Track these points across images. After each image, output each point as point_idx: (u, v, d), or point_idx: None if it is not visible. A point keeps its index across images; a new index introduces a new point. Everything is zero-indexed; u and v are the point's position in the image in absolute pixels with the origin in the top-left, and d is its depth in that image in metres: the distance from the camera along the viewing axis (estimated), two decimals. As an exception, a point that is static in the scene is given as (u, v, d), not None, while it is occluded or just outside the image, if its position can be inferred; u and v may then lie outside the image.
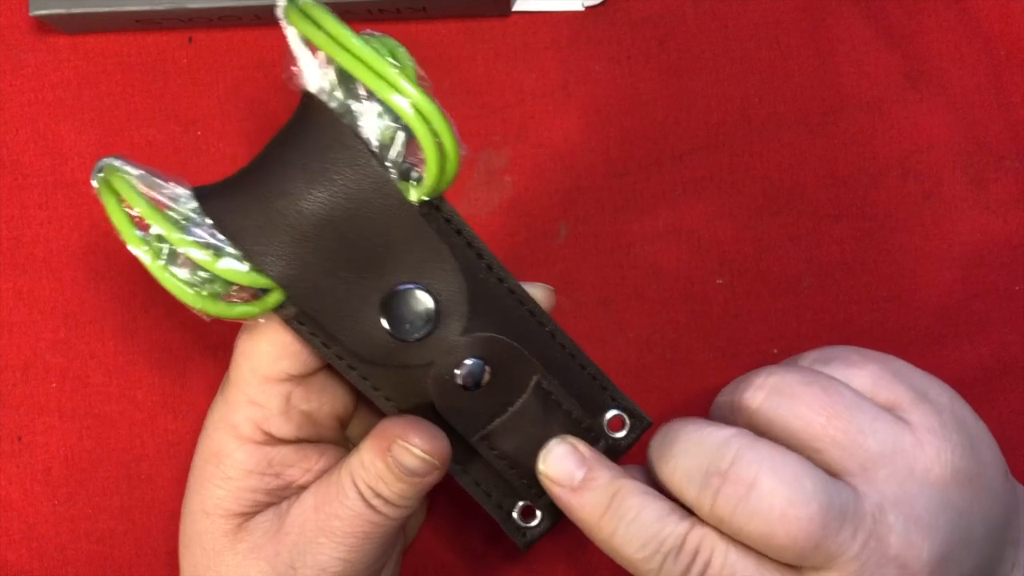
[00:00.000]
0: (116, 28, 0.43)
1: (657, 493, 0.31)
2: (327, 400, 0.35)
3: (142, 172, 0.31)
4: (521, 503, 0.35)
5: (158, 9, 0.41)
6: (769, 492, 0.28)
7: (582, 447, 0.33)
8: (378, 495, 0.32)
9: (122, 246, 0.42)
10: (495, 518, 0.35)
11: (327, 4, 0.41)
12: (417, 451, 0.32)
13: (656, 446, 0.32)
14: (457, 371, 0.32)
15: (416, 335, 0.32)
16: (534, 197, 0.43)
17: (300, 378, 0.34)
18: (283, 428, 0.34)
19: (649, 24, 0.44)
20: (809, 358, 0.33)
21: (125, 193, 0.30)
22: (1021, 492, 0.33)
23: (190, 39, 0.44)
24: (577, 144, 0.43)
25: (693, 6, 0.44)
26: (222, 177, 0.43)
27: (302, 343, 0.33)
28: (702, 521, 0.30)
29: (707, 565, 0.29)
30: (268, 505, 0.34)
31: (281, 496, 0.34)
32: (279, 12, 0.31)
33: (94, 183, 0.31)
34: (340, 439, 0.36)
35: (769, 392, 0.30)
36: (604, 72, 0.44)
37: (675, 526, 0.30)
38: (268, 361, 0.33)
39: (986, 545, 0.30)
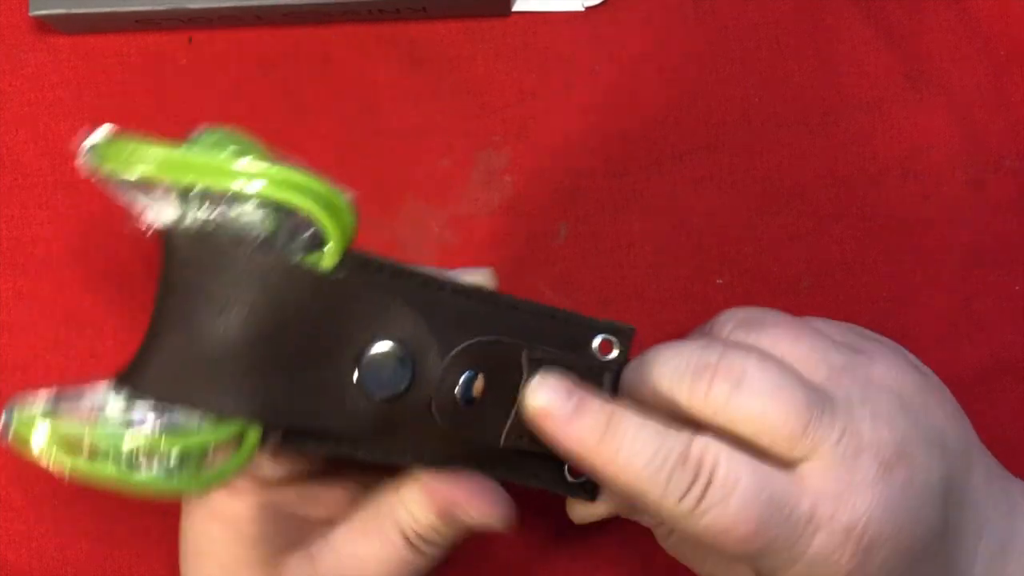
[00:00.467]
0: (116, 28, 0.43)
1: (649, 412, 0.32)
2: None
3: (49, 406, 0.28)
4: (567, 465, 0.35)
5: (158, 9, 0.41)
6: (760, 378, 0.30)
7: (568, 378, 0.32)
8: (429, 542, 0.33)
9: (122, 246, 0.43)
10: (558, 492, 0.35)
11: (332, 4, 0.41)
12: (488, 520, 0.32)
13: (634, 368, 0.33)
14: (456, 392, 0.31)
15: (403, 385, 0.31)
16: (534, 197, 0.43)
17: None
18: (274, 471, 0.33)
19: (649, 24, 0.44)
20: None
21: (47, 447, 0.27)
22: (975, 436, 0.35)
23: (190, 39, 0.44)
24: (577, 144, 0.43)
25: (693, 6, 0.44)
26: (222, 177, 0.43)
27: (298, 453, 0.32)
28: (699, 431, 0.31)
29: (712, 473, 0.30)
30: (293, 547, 0.33)
31: (302, 534, 0.33)
32: (85, 162, 0.28)
33: (8, 440, 0.28)
34: (325, 464, 0.36)
35: (738, 322, 0.33)
36: (604, 72, 0.44)
37: (676, 437, 0.30)
38: None
39: (946, 454, 0.32)
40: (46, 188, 0.43)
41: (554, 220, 0.43)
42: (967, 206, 0.43)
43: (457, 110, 0.43)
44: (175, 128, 0.43)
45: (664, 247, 0.43)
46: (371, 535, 0.33)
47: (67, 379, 0.42)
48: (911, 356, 0.35)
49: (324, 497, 0.34)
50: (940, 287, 0.43)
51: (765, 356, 0.31)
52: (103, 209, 0.43)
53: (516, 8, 0.44)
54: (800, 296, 0.43)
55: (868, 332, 0.35)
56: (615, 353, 0.35)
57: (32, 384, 0.42)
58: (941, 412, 0.33)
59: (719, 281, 0.43)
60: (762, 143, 0.43)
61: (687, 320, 0.43)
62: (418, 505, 0.32)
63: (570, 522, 0.38)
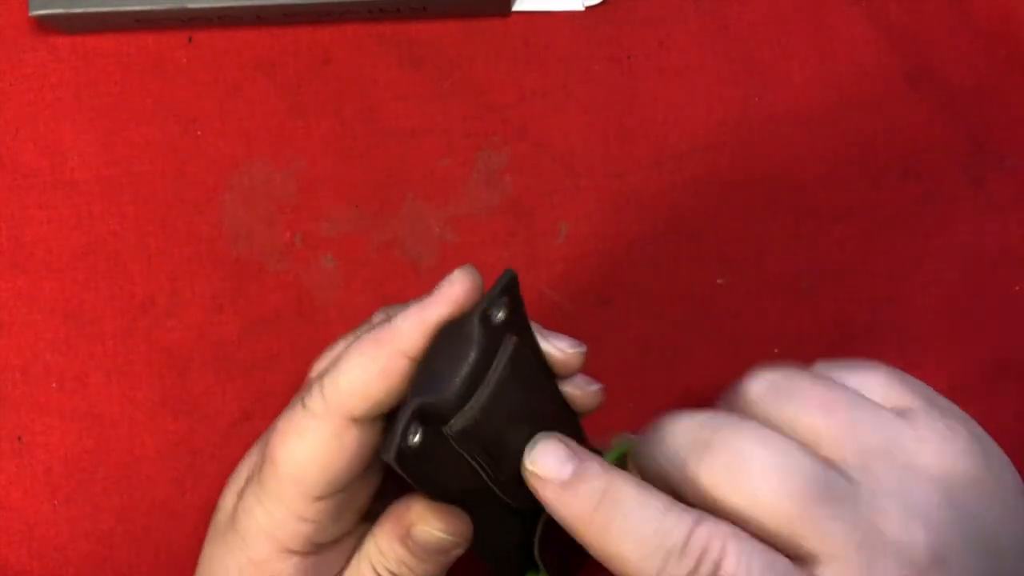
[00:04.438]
0: (116, 28, 0.43)
1: (654, 489, 0.29)
2: (363, 495, 0.34)
3: None
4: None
5: (158, 9, 0.41)
6: (758, 457, 0.27)
7: (570, 442, 0.30)
8: None
9: (122, 246, 0.43)
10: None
11: (332, 4, 0.41)
12: (439, 533, 0.31)
13: (643, 441, 0.30)
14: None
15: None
16: (534, 197, 0.43)
17: (352, 484, 0.33)
18: (331, 534, 0.33)
19: (649, 24, 0.44)
20: (819, 365, 0.31)
21: None
22: None
23: (190, 39, 0.44)
24: (577, 144, 0.43)
25: (693, 6, 0.44)
26: (220, 177, 0.43)
27: (350, 451, 0.32)
28: (709, 516, 0.28)
29: (719, 563, 0.26)
30: None
31: None
32: None
33: None
34: (358, 526, 0.36)
35: (770, 385, 0.29)
36: (604, 72, 0.44)
37: (680, 517, 0.27)
38: (317, 483, 0.32)
39: (995, 559, 0.28)
40: (46, 188, 0.43)
41: (554, 220, 0.43)
42: (967, 206, 0.43)
43: (457, 110, 0.43)
44: (175, 128, 0.43)
45: (664, 247, 0.43)
46: None
47: (67, 380, 0.42)
48: (978, 429, 0.30)
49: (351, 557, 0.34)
50: (940, 287, 0.43)
51: (770, 433, 0.28)
52: (103, 209, 0.43)
53: (516, 8, 0.44)
54: (800, 296, 0.43)
55: (938, 397, 0.30)
56: (504, 302, 0.31)
57: (32, 385, 0.42)
58: (999, 507, 0.28)
59: (719, 281, 0.43)
60: (762, 143, 0.43)
61: (687, 320, 0.43)
62: (384, 535, 0.32)
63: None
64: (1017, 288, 0.43)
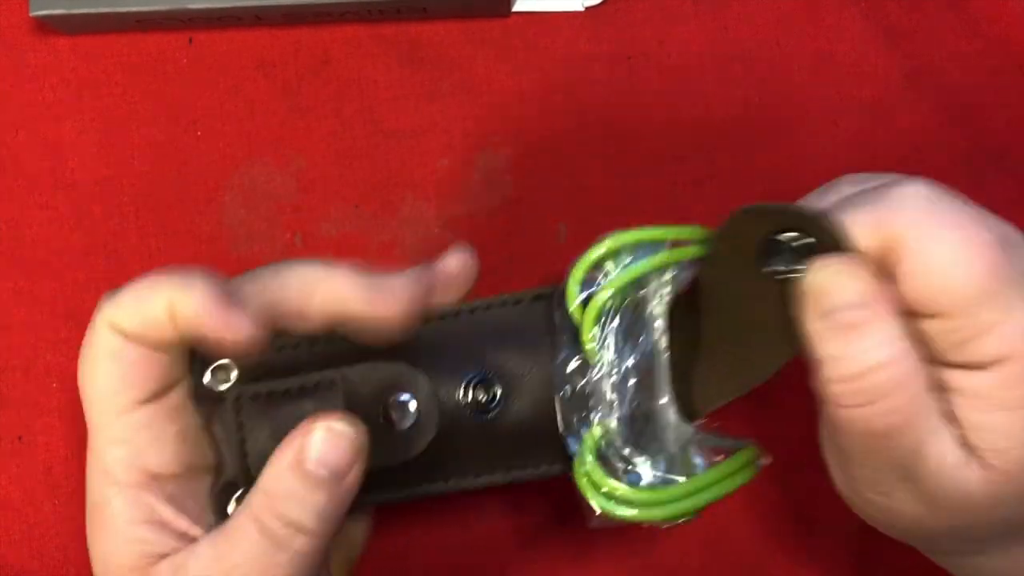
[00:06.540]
0: (116, 28, 0.43)
1: None
2: (184, 428, 0.31)
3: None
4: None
5: (158, 9, 0.41)
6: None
7: None
8: (289, 523, 0.29)
9: (122, 246, 0.43)
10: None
11: (332, 4, 0.41)
12: (343, 428, 0.29)
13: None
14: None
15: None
16: (534, 197, 0.43)
17: (156, 398, 0.30)
18: (161, 458, 0.30)
19: (649, 24, 0.44)
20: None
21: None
22: None
23: (190, 39, 0.44)
24: (577, 144, 0.43)
25: (693, 6, 0.44)
26: (220, 177, 0.43)
27: (150, 360, 0.30)
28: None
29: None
30: (164, 556, 0.30)
31: (179, 544, 0.31)
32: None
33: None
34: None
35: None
36: (604, 72, 0.44)
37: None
38: (112, 395, 0.30)
39: None
40: (46, 188, 0.43)
41: (554, 220, 0.43)
42: (967, 206, 0.43)
43: (457, 110, 0.43)
44: (175, 128, 0.43)
45: (664, 247, 0.43)
46: (230, 534, 0.29)
47: (67, 380, 0.42)
48: None
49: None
50: (940, 287, 0.43)
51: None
52: (103, 209, 0.43)
53: (516, 8, 0.44)
54: (800, 296, 0.43)
55: None
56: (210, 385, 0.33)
57: (32, 385, 0.42)
58: None
59: (719, 281, 0.43)
60: (762, 143, 0.43)
61: (687, 320, 0.43)
62: (268, 474, 0.29)
63: (571, 524, 0.38)
64: (1017, 288, 0.43)
